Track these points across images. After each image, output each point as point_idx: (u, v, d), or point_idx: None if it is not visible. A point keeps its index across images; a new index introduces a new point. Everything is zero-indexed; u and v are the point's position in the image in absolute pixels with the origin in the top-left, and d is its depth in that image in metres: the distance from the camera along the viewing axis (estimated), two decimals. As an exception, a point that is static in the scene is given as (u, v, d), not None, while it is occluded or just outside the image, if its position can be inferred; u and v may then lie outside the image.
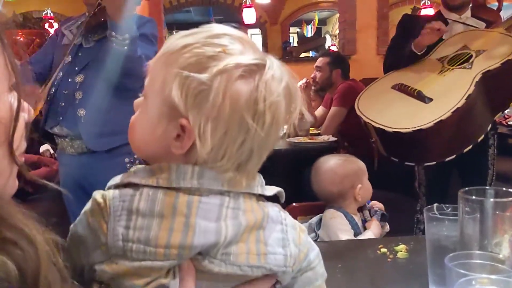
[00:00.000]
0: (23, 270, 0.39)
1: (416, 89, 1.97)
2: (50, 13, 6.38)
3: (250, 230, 0.64)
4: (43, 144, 2.95)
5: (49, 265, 0.43)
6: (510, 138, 3.81)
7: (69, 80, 1.86)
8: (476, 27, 2.23)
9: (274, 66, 0.65)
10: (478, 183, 2.00)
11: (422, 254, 1.00)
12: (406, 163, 1.95)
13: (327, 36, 10.68)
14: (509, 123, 3.42)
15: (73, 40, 1.87)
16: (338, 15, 5.42)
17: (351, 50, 4.63)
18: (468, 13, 2.29)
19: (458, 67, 2.02)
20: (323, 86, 3.38)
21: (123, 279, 0.62)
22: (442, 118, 1.76)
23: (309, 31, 10.56)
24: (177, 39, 0.64)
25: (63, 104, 1.86)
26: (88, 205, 0.65)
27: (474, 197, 0.85)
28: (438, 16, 2.36)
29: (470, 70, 1.95)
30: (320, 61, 3.40)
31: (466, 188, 0.87)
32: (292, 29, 10.16)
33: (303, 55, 8.45)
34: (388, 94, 2.07)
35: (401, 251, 1.15)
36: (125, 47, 1.69)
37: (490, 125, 2.00)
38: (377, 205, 1.58)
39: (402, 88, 2.04)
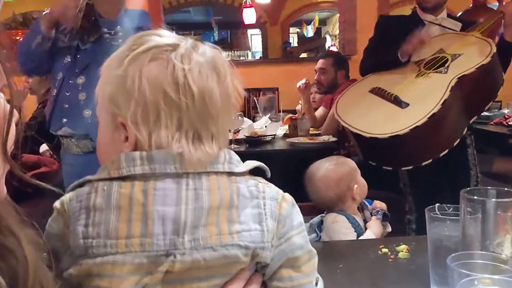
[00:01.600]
0: (12, 277, 0.39)
1: (393, 94, 1.96)
2: (49, 13, 6.37)
3: (218, 210, 0.63)
4: (42, 144, 2.95)
5: (40, 268, 0.43)
6: (511, 138, 3.81)
7: (70, 82, 1.86)
8: (452, 28, 2.21)
9: (190, 42, 0.67)
10: (462, 184, 2.02)
11: (423, 254, 1.00)
12: (384, 167, 1.94)
13: (327, 37, 10.68)
14: (509, 123, 3.41)
15: (69, 43, 1.87)
16: (338, 15, 5.42)
17: (351, 51, 4.62)
18: (444, 13, 2.27)
19: (434, 71, 1.99)
20: (328, 88, 3.36)
21: (88, 280, 0.61)
22: (418, 124, 1.75)
23: (309, 31, 10.56)
24: (110, 57, 0.70)
25: (67, 106, 1.86)
26: (50, 217, 0.66)
27: (476, 197, 0.84)
28: (414, 16, 2.33)
29: (446, 74, 1.93)
30: (323, 62, 3.38)
31: (468, 188, 0.86)
32: (292, 30, 10.16)
33: (303, 55, 8.46)
34: (365, 98, 2.06)
35: (402, 251, 1.14)
36: (120, 41, 1.69)
37: (465, 129, 1.99)
38: (380, 205, 1.57)
39: (379, 93, 2.03)
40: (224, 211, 0.63)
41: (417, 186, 2.33)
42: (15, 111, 0.53)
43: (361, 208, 1.57)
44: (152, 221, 0.60)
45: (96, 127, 2.04)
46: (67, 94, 1.86)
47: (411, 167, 1.97)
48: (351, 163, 1.58)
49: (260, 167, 0.71)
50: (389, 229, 1.55)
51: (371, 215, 1.55)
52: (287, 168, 2.74)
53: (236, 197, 0.64)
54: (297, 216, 0.70)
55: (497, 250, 0.83)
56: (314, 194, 1.54)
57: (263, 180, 0.70)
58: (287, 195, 0.70)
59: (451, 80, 1.87)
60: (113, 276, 0.60)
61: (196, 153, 0.64)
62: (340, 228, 1.44)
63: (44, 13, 1.87)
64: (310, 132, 3.07)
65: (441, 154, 1.86)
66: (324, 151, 2.61)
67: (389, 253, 1.15)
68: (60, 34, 1.92)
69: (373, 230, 1.47)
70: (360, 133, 1.86)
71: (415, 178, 2.32)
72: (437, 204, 0.93)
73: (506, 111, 3.69)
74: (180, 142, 0.64)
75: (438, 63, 2.03)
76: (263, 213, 0.65)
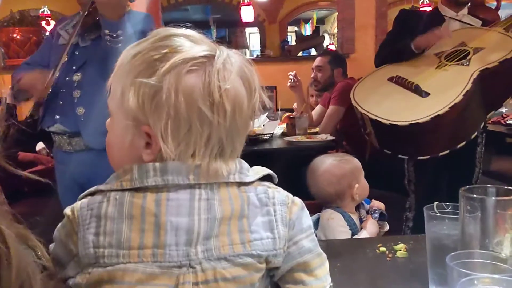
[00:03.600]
0: None
1: (413, 83, 1.98)
2: (47, 11, 6.36)
3: (229, 221, 0.63)
4: (38, 143, 2.94)
5: (23, 261, 0.42)
6: (508, 137, 3.82)
7: (67, 79, 1.85)
8: (472, 25, 2.23)
9: (225, 54, 0.65)
10: (464, 180, 2.01)
11: (421, 253, 0.99)
12: (399, 155, 1.95)
13: (326, 35, 10.68)
14: (507, 122, 3.42)
15: (70, 40, 1.85)
16: (336, 14, 5.41)
17: (349, 49, 4.63)
18: (465, 10, 2.29)
19: (455, 63, 2.02)
20: (325, 86, 3.36)
21: (98, 287, 0.61)
22: (439, 113, 1.77)
23: (307, 30, 10.56)
24: (127, 51, 0.66)
25: (61, 102, 1.85)
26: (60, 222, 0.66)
27: (475, 196, 0.83)
28: (435, 12, 2.36)
29: (468, 67, 1.96)
30: (320, 60, 3.38)
31: (467, 186, 0.85)
32: (290, 28, 10.15)
33: (301, 53, 8.45)
34: (384, 86, 2.07)
35: (400, 250, 1.13)
36: (119, 44, 1.67)
37: (483, 123, 2.01)
38: (377, 204, 1.56)
39: (399, 81, 2.04)
40: (236, 221, 0.63)
41: (421, 183, 2.33)
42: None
43: (358, 207, 1.56)
44: (165, 232, 0.60)
45: (87, 125, 2.01)
46: (62, 91, 1.85)
47: (427, 156, 1.96)
48: (355, 162, 1.56)
49: (269, 175, 0.70)
50: (387, 228, 1.55)
51: (368, 214, 1.54)
52: (285, 167, 2.73)
53: (247, 207, 0.64)
54: (306, 219, 0.70)
55: (497, 249, 0.82)
56: (314, 187, 1.54)
57: (272, 185, 0.69)
58: (296, 198, 0.70)
59: (473, 72, 1.89)
60: (123, 283, 0.60)
61: (213, 166, 0.63)
62: (335, 225, 1.44)
63: (14, 75, 1.90)
64: (308, 131, 3.06)
65: (459, 146, 1.87)
66: (322, 149, 2.60)
67: (387, 252, 1.14)
68: (61, 31, 1.91)
69: (369, 230, 1.46)
70: (380, 119, 1.86)
71: (421, 174, 2.32)
72: (436, 202, 0.92)
73: (504, 110, 3.69)
74: (204, 156, 0.63)
75: (459, 56, 2.05)
76: (273, 220, 0.65)
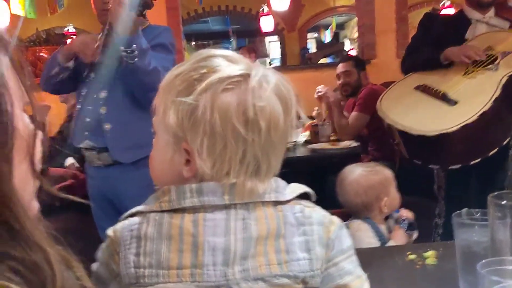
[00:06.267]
0: None
1: (441, 91, 1.95)
2: (72, 29, 6.51)
3: (266, 240, 0.63)
4: (68, 158, 3.01)
5: (67, 284, 0.44)
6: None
7: (94, 96, 1.91)
8: (500, 27, 2.18)
9: (260, 73, 0.66)
10: (495, 184, 1.95)
11: (451, 261, 0.98)
12: (430, 166, 1.92)
13: (346, 41, 10.63)
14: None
15: (94, 58, 1.91)
16: (356, 19, 5.40)
17: (370, 54, 4.59)
18: (491, 12, 2.24)
19: (483, 69, 1.98)
20: (354, 90, 3.33)
21: None
22: (468, 121, 1.73)
23: (327, 36, 10.53)
24: (171, 71, 0.69)
25: (89, 119, 1.90)
26: (104, 242, 0.69)
27: (505, 202, 0.83)
28: (460, 15, 2.31)
29: (496, 72, 1.92)
30: (346, 65, 3.34)
31: (496, 192, 0.85)
32: (309, 35, 10.13)
33: (321, 61, 8.43)
34: (411, 96, 2.05)
35: (430, 257, 1.12)
36: (136, 59, 1.71)
37: None
38: (406, 214, 1.53)
39: (426, 90, 2.01)
40: (272, 241, 0.63)
41: (452, 189, 2.29)
42: (40, 130, 0.55)
43: (386, 216, 1.54)
44: (203, 252, 0.61)
45: (114, 141, 2.08)
46: (89, 108, 1.91)
47: (459, 165, 1.93)
48: (386, 173, 1.54)
49: (306, 192, 0.70)
50: (415, 236, 1.52)
51: (396, 224, 1.51)
52: (309, 175, 2.73)
53: (283, 226, 0.64)
54: (346, 239, 0.70)
55: (529, 256, 0.81)
56: (342, 197, 1.53)
57: (309, 204, 0.69)
58: (334, 217, 0.70)
59: (502, 78, 1.86)
60: None
61: (249, 185, 0.64)
62: (363, 237, 1.42)
63: (63, 44, 1.93)
64: (331, 138, 3.05)
65: (490, 153, 1.83)
66: (347, 156, 2.59)
67: (417, 259, 1.13)
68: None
69: (397, 241, 1.43)
70: (407, 130, 1.84)
71: (452, 180, 2.28)
72: (465, 209, 0.91)
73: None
74: (239, 173, 0.64)
75: (487, 61, 2.01)
76: (310, 240, 0.65)
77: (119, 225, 0.67)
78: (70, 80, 1.97)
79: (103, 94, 1.90)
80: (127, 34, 1.70)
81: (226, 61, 0.66)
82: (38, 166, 0.48)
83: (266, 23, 6.71)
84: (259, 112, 0.63)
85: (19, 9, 4.69)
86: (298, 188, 0.70)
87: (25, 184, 0.46)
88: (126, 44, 1.71)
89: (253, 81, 0.64)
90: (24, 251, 0.41)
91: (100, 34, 1.88)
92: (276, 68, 7.39)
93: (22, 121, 0.44)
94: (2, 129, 0.39)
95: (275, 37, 9.71)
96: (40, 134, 0.48)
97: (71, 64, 1.92)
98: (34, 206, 0.50)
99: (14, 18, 4.05)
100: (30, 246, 0.41)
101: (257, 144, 0.64)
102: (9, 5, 4.30)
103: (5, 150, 0.40)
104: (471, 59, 2.02)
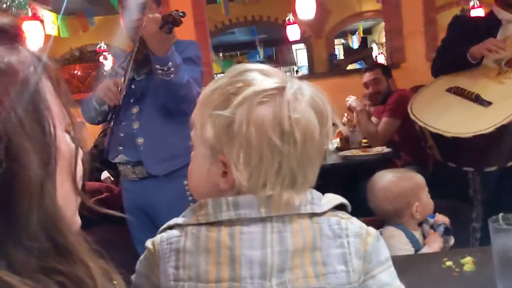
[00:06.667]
0: None
1: (473, 92, 1.91)
2: (103, 46, 6.70)
3: (302, 253, 0.63)
4: (103, 172, 3.09)
5: None
6: None
7: (126, 112, 1.96)
8: None
9: (295, 86, 0.67)
10: None
11: (490, 266, 0.96)
12: (464, 168, 1.88)
13: (374, 45, 10.54)
14: None
15: (126, 76, 1.98)
16: (383, 23, 5.35)
17: (399, 58, 4.54)
18: None
19: None
20: (385, 97, 3.30)
21: None
22: (504, 122, 1.70)
23: (354, 41, 10.47)
24: (209, 86, 0.70)
25: (122, 134, 1.96)
26: (142, 254, 0.70)
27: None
28: (490, 16, 2.27)
29: None
30: (374, 73, 3.31)
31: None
32: (337, 41, 10.10)
33: (349, 67, 8.37)
34: (443, 98, 2.02)
35: (468, 263, 1.10)
36: (172, 76, 1.76)
37: None
38: (442, 219, 1.50)
39: (458, 92, 1.98)
40: (308, 253, 0.64)
41: (488, 192, 2.24)
42: (81, 149, 0.57)
43: (421, 222, 1.51)
44: (240, 265, 0.62)
45: (148, 154, 2.14)
46: (123, 124, 1.97)
47: (494, 168, 1.89)
48: (417, 179, 1.51)
49: (342, 203, 0.70)
50: (452, 242, 1.49)
51: (432, 229, 1.49)
52: (341, 182, 2.72)
53: (319, 238, 0.65)
54: (384, 250, 0.69)
55: None
56: (373, 203, 1.52)
57: (345, 215, 0.69)
58: (371, 229, 0.70)
59: None
60: None
61: (285, 197, 0.65)
62: (396, 243, 1.40)
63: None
64: (363, 144, 3.03)
65: None
66: (379, 162, 2.57)
67: (454, 266, 1.11)
68: (118, 69, 2.03)
69: (432, 247, 1.41)
70: (441, 132, 1.82)
71: (487, 183, 2.23)
72: (501, 213, 0.90)
73: None
74: (275, 185, 0.65)
75: None
76: (347, 252, 0.65)
77: (158, 238, 0.69)
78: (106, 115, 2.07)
79: (135, 110, 1.96)
80: (163, 52, 1.74)
81: (262, 75, 0.68)
82: (80, 183, 0.51)
83: (293, 32, 6.74)
84: (294, 124, 0.64)
85: (52, 29, 4.86)
86: (334, 199, 0.70)
87: (68, 201, 0.48)
88: (161, 62, 1.75)
89: (288, 94, 0.65)
90: (68, 265, 0.43)
91: (123, 78, 1.94)
92: (303, 75, 7.38)
93: (64, 142, 0.47)
94: (45, 150, 0.42)
95: (302, 45, 9.71)
96: (81, 153, 0.50)
97: (106, 107, 2.01)
98: (77, 221, 0.53)
99: (48, 38, 4.20)
100: (74, 260, 0.43)
101: (293, 156, 0.64)
102: (43, 25, 4.47)
103: (49, 169, 0.42)
104: (492, 51, 1.99)
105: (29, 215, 0.40)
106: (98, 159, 2.40)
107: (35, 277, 0.39)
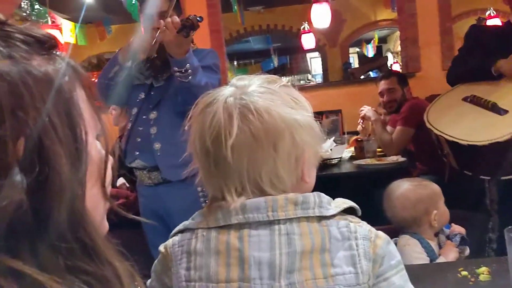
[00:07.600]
0: None
1: (490, 101, 1.91)
2: (120, 54, 6.78)
3: (311, 254, 0.64)
4: (119, 177, 3.13)
5: None
6: None
7: (144, 117, 1.99)
8: None
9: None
10: None
11: (506, 276, 0.96)
12: (481, 176, 1.87)
13: (389, 54, 10.51)
14: None
15: (144, 81, 2.01)
16: (398, 32, 5.35)
17: (415, 67, 4.53)
18: None
19: None
20: (400, 106, 3.30)
21: None
22: None
23: (369, 50, 10.46)
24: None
25: (139, 139, 1.99)
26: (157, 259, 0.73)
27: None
28: (507, 25, 2.27)
29: None
30: (389, 82, 3.30)
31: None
32: (351, 50, 10.10)
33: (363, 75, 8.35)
34: (459, 106, 2.01)
35: (483, 273, 1.10)
36: (190, 77, 1.79)
37: None
38: (458, 229, 1.50)
39: (475, 100, 1.98)
40: (317, 255, 0.65)
41: (505, 202, 2.22)
42: (111, 156, 0.60)
43: (437, 232, 1.51)
44: (249, 266, 0.64)
45: (164, 160, 2.16)
46: (140, 129, 2.00)
47: (511, 176, 1.88)
48: (434, 188, 1.51)
49: (351, 207, 0.71)
50: (467, 252, 1.48)
51: (448, 239, 1.48)
52: (355, 191, 2.71)
53: (328, 240, 0.66)
54: (395, 253, 0.70)
55: None
56: (390, 212, 1.51)
57: (355, 219, 0.70)
58: (380, 233, 0.70)
59: None
60: None
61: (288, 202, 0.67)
62: (411, 252, 1.40)
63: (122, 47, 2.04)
64: (377, 154, 3.02)
65: None
66: (394, 171, 2.56)
67: (469, 276, 1.11)
68: (137, 73, 2.07)
69: (447, 257, 1.40)
70: (457, 141, 1.82)
71: (505, 192, 2.21)
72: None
73: None
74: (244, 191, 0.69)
75: None
76: (356, 254, 0.66)
77: (170, 241, 0.71)
78: (124, 88, 2.04)
79: (152, 115, 1.98)
80: (181, 55, 1.79)
81: None
82: (109, 188, 0.53)
83: (308, 41, 6.77)
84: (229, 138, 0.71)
85: (70, 37, 4.96)
86: (343, 203, 0.71)
87: (96, 205, 0.50)
88: (179, 64, 1.79)
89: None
90: (96, 266, 0.44)
91: (158, 33, 1.95)
92: (318, 84, 7.39)
93: (94, 148, 0.49)
94: (77, 156, 0.44)
95: (316, 53, 9.73)
96: (110, 160, 0.52)
97: (130, 63, 1.99)
98: (105, 225, 0.55)
99: (66, 45, 4.29)
100: (102, 261, 0.45)
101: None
102: (61, 33, 4.56)
103: (79, 174, 0.44)
104: None
105: (59, 217, 0.41)
106: (116, 164, 2.43)
107: (62, 276, 0.41)
